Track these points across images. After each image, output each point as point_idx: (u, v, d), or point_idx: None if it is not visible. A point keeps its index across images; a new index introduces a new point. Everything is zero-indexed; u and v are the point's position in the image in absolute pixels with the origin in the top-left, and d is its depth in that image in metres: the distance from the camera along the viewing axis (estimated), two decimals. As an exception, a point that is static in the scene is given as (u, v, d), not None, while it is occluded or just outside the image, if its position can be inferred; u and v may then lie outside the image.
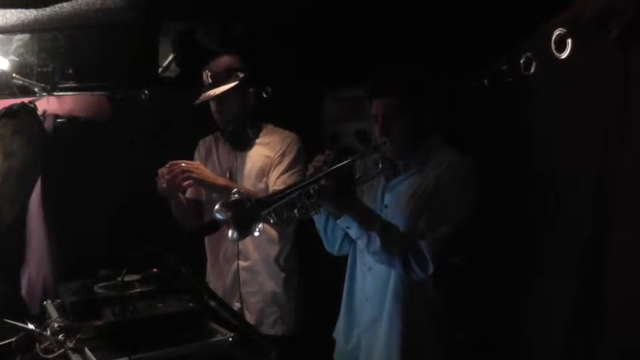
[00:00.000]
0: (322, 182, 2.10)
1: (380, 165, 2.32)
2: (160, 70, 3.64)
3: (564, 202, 2.22)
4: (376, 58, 2.89)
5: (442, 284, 2.27)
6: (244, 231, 1.94)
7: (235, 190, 2.04)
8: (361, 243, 2.23)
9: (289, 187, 2.12)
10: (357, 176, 2.29)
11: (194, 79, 3.20)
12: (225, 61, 2.81)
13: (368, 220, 2.19)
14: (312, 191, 2.12)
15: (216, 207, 1.94)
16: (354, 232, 2.22)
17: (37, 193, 3.48)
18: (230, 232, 1.93)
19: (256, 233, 1.96)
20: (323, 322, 2.70)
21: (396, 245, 2.16)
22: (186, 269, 1.86)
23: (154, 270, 2.73)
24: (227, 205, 1.92)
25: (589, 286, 2.00)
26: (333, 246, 2.50)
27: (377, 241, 2.15)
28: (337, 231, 2.43)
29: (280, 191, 2.11)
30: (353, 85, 3.50)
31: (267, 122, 2.93)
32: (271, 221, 2.08)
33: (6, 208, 3.33)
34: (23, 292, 3.46)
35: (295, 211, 2.13)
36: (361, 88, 3.36)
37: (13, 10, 2.95)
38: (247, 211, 1.92)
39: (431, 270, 2.14)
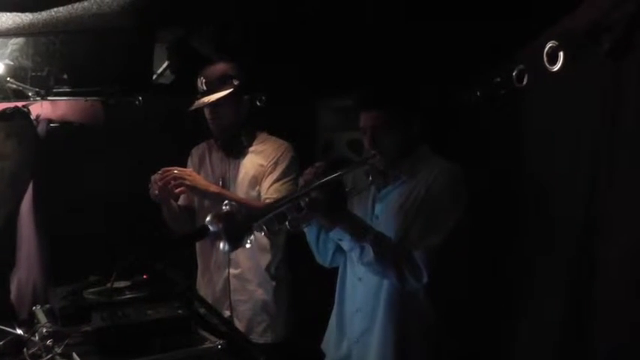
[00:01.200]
0: (313, 195, 2.10)
1: (370, 177, 2.33)
2: (155, 76, 3.64)
3: (556, 212, 2.23)
4: (369, 69, 2.92)
5: (434, 294, 2.27)
6: (235, 243, 1.94)
7: (226, 201, 2.03)
8: (354, 255, 2.23)
9: (280, 199, 2.12)
10: (347, 189, 2.29)
11: (188, 86, 3.22)
12: (220, 68, 2.81)
13: (360, 231, 2.19)
14: (303, 204, 2.12)
15: (208, 219, 1.94)
16: (346, 244, 2.22)
17: (29, 197, 3.47)
18: (221, 244, 1.92)
19: (247, 245, 1.96)
20: (312, 331, 2.69)
21: (388, 256, 2.16)
22: (176, 275, 1.86)
23: (144, 276, 2.73)
24: (218, 217, 1.92)
25: (579, 294, 2.00)
26: (325, 258, 2.50)
27: (370, 253, 2.15)
28: (329, 243, 2.43)
29: (271, 204, 2.11)
30: (346, 95, 3.52)
31: (260, 130, 2.93)
32: (262, 234, 2.07)
33: (-3, 210, 3.32)
34: (12, 296, 3.44)
35: (286, 223, 2.13)
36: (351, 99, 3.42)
37: (8, 14, 2.94)
38: (238, 223, 1.93)
39: (425, 279, 2.14)
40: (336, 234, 2.22)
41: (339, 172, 2.17)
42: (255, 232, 2.01)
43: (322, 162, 2.21)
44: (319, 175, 2.14)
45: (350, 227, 2.18)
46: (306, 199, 2.10)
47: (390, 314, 2.30)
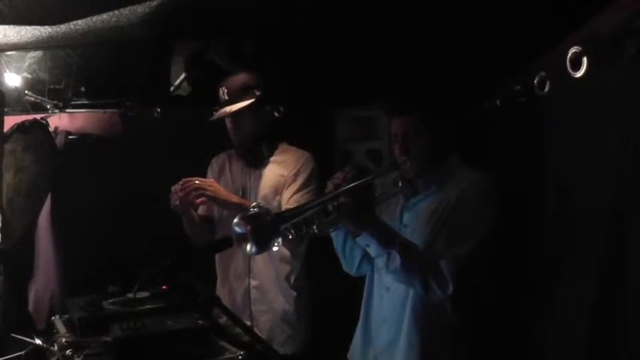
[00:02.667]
0: (342, 199, 2.08)
1: (400, 184, 2.31)
2: (172, 88, 3.65)
3: (581, 220, 2.20)
4: (389, 78, 2.91)
5: (460, 304, 2.24)
6: (263, 245, 1.91)
7: (254, 203, 2.02)
8: (380, 261, 2.21)
9: (309, 202, 2.10)
10: (375, 194, 2.27)
11: (206, 97, 3.23)
12: (241, 78, 2.82)
13: (387, 238, 2.16)
14: (331, 208, 2.10)
15: (235, 220, 1.92)
16: (373, 250, 2.20)
17: (47, 208, 3.49)
18: (248, 246, 1.90)
19: (275, 248, 1.93)
20: (333, 341, 2.67)
21: (415, 264, 2.14)
22: (199, 286, 1.85)
23: (164, 287, 2.73)
24: (246, 219, 1.90)
25: (608, 303, 1.98)
26: (351, 266, 2.47)
27: (397, 260, 2.13)
28: (356, 251, 2.41)
29: (300, 206, 2.09)
30: (365, 105, 3.52)
31: (281, 140, 2.93)
32: (289, 237, 2.05)
33: (15, 222, 3.33)
34: (30, 306, 3.46)
35: (314, 227, 2.11)
36: (374, 107, 3.41)
37: (28, 27, 2.97)
38: (266, 225, 1.90)
39: (450, 290, 2.12)
40: (363, 239, 2.20)
41: (369, 177, 2.16)
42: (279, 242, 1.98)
43: (351, 167, 2.19)
44: (348, 180, 2.13)
45: (377, 233, 2.16)
46: (335, 203, 2.08)
47: (416, 324, 2.26)
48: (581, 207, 2.23)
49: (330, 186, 2.18)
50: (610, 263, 2.00)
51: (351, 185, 2.10)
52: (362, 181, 2.12)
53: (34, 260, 3.51)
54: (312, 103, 3.42)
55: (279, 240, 1.93)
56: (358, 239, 2.23)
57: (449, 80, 2.58)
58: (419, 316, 2.26)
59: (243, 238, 1.90)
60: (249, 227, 1.89)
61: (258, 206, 1.97)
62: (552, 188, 2.47)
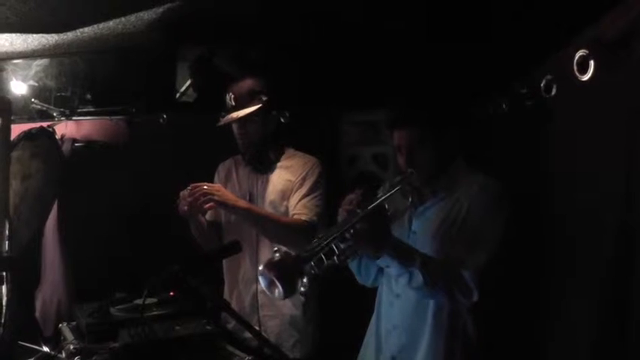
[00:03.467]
0: (358, 226, 2.07)
1: (410, 198, 2.31)
2: (178, 94, 3.66)
3: (588, 227, 2.20)
4: (394, 82, 2.92)
5: (476, 309, 2.24)
6: (290, 289, 1.92)
7: (276, 249, 2.02)
8: (403, 280, 2.19)
9: (326, 236, 2.06)
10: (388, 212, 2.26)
11: (211, 104, 3.24)
12: (248, 84, 2.83)
13: (407, 256, 2.15)
14: (348, 236, 2.08)
15: (260, 269, 1.94)
16: (394, 270, 2.18)
17: (53, 216, 3.49)
18: (276, 292, 1.91)
19: (302, 289, 1.94)
20: (340, 347, 2.67)
21: (438, 278, 2.13)
22: (208, 291, 1.85)
23: (171, 293, 2.73)
24: (269, 266, 1.92)
25: (613, 312, 1.97)
26: (366, 281, 2.48)
27: (419, 277, 2.11)
28: (371, 267, 2.41)
29: (317, 243, 2.05)
30: (370, 109, 3.52)
31: (288, 146, 2.94)
32: (313, 273, 2.03)
33: (22, 230, 3.34)
34: (37, 314, 3.46)
35: (335, 258, 2.09)
36: (379, 113, 3.41)
37: (34, 35, 2.98)
38: (289, 269, 1.91)
39: (476, 297, 2.12)
40: (383, 261, 2.18)
41: (380, 198, 2.14)
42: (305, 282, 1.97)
43: (358, 189, 2.18)
44: (359, 202, 2.12)
45: (397, 254, 2.14)
46: (351, 231, 2.07)
47: (438, 332, 2.26)
48: (587, 208, 2.22)
49: (342, 213, 2.16)
50: (617, 267, 2.00)
51: (366, 211, 2.08)
52: (375, 204, 2.11)
53: (41, 267, 3.52)
54: (318, 107, 3.42)
55: (305, 280, 1.94)
56: (378, 262, 2.22)
57: (452, 83, 2.58)
58: (440, 324, 2.26)
59: (271, 285, 1.92)
60: (273, 274, 1.91)
61: (279, 251, 1.97)
62: (557, 189, 2.46)
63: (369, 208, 2.10)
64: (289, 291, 1.93)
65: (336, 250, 2.08)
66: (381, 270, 2.41)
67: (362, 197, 2.14)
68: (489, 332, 2.33)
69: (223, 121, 2.83)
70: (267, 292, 1.95)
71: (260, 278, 1.95)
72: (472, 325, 2.28)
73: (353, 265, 2.43)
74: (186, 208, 2.67)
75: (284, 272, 1.91)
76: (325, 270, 2.07)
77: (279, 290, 1.91)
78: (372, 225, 2.08)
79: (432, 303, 2.23)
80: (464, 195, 2.25)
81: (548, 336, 2.47)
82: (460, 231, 2.21)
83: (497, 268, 2.15)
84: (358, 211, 2.09)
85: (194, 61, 3.59)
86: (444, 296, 2.16)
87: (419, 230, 2.33)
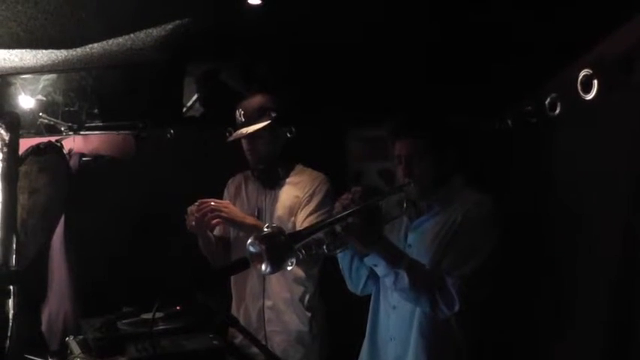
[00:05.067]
0: (350, 220, 2.11)
1: (404, 205, 2.34)
2: (185, 109, 3.69)
3: (594, 229, 2.22)
4: (399, 98, 2.94)
5: (466, 321, 2.26)
6: (277, 265, 1.93)
7: (268, 224, 2.04)
8: (388, 281, 2.23)
9: (318, 222, 2.14)
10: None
11: (218, 119, 3.26)
12: (258, 100, 2.85)
13: (395, 257, 2.20)
14: (339, 229, 2.13)
15: (250, 240, 1.94)
16: (381, 269, 2.23)
17: (60, 230, 3.51)
18: (263, 266, 1.92)
19: (289, 267, 1.95)
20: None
21: (422, 283, 2.17)
22: (216, 306, 1.87)
23: (177, 307, 2.74)
24: (260, 238, 1.92)
25: (619, 330, 1.98)
26: (356, 286, 2.50)
27: (404, 279, 2.16)
28: (362, 270, 2.44)
29: (311, 226, 2.12)
30: (376, 125, 3.54)
31: (297, 162, 2.96)
32: (300, 257, 2.07)
33: (29, 244, 3.36)
34: (43, 327, 3.47)
35: (324, 247, 2.14)
36: (384, 127, 3.43)
37: (44, 51, 3.02)
38: (280, 245, 1.92)
39: (457, 307, 2.15)
40: (371, 259, 2.23)
41: (376, 198, 2.19)
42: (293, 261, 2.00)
43: (359, 187, 2.22)
44: (356, 200, 2.15)
45: (385, 253, 2.19)
46: (344, 224, 2.11)
47: (423, 342, 2.29)
48: (592, 211, 2.24)
49: (338, 206, 2.20)
50: (624, 269, 2.01)
51: (359, 206, 2.12)
52: (369, 202, 2.16)
53: (48, 281, 3.53)
54: (324, 123, 3.45)
55: (294, 260, 1.95)
56: (366, 259, 2.26)
57: (455, 101, 2.61)
58: (425, 333, 2.29)
59: (257, 258, 1.92)
60: (263, 247, 1.90)
61: (271, 226, 1.98)
62: (562, 193, 2.48)
63: (364, 204, 2.14)
64: (275, 267, 1.94)
65: (326, 240, 2.15)
66: (371, 277, 2.43)
67: (359, 194, 2.18)
68: (492, 339, 2.34)
69: (233, 136, 2.85)
70: (250, 264, 1.95)
71: (249, 247, 1.93)
72: (461, 337, 2.29)
73: (344, 267, 2.47)
74: (193, 223, 2.69)
75: (274, 247, 1.92)
76: (313, 256, 2.15)
77: (265, 264, 1.92)
78: (364, 220, 2.12)
79: (426, 315, 2.25)
80: (458, 210, 2.28)
81: (556, 339, 2.47)
82: (450, 244, 2.24)
83: (486, 282, 2.18)
84: (353, 205, 2.13)
85: (201, 76, 3.63)
86: (426, 302, 2.18)
87: (414, 243, 2.37)
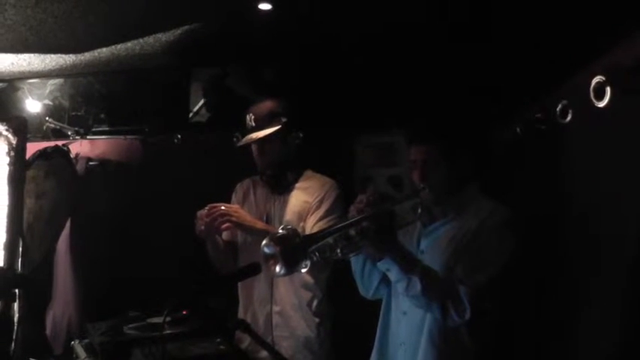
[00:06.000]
0: (364, 224, 2.11)
1: (418, 211, 2.33)
2: (191, 114, 3.70)
3: (605, 253, 2.20)
4: (409, 105, 2.95)
5: (476, 329, 2.25)
6: (292, 266, 1.92)
7: (283, 225, 2.04)
8: (400, 286, 2.22)
9: (333, 226, 2.12)
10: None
11: (224, 124, 3.27)
12: (268, 105, 2.85)
13: (408, 263, 2.18)
14: (353, 233, 2.13)
15: (265, 241, 1.93)
16: (394, 274, 2.22)
17: (66, 234, 3.51)
18: (277, 267, 1.91)
19: (303, 270, 1.95)
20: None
21: (435, 289, 2.15)
22: (224, 311, 1.86)
23: (184, 312, 2.74)
24: (276, 240, 1.91)
25: (633, 335, 1.97)
26: (368, 290, 2.49)
27: (417, 285, 2.14)
28: (374, 275, 2.42)
29: (325, 229, 2.11)
30: (385, 131, 3.55)
31: (306, 167, 2.95)
32: (314, 259, 2.06)
33: (35, 247, 3.36)
34: (47, 331, 3.47)
35: (337, 251, 2.13)
36: (396, 133, 3.44)
37: (52, 55, 3.03)
38: (295, 247, 1.91)
39: (468, 315, 2.13)
40: (384, 264, 2.22)
41: (391, 203, 2.18)
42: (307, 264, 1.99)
43: (374, 191, 2.22)
44: (370, 204, 2.15)
45: (399, 258, 2.17)
46: (358, 228, 2.11)
47: (432, 349, 2.27)
48: (604, 224, 2.23)
49: (352, 210, 2.20)
50: (637, 281, 2.00)
51: (374, 211, 2.12)
52: (384, 206, 2.15)
53: (53, 285, 3.53)
54: (333, 129, 3.45)
55: (308, 262, 1.94)
56: (379, 264, 2.25)
57: (469, 109, 2.61)
58: (435, 340, 2.26)
59: (271, 259, 1.91)
60: (278, 248, 1.90)
61: (286, 228, 1.98)
62: (578, 195, 2.46)
63: (379, 208, 2.13)
64: (289, 268, 1.94)
65: (340, 243, 2.13)
66: (383, 281, 2.42)
67: (373, 199, 2.17)
68: (509, 343, 2.32)
69: (243, 141, 2.84)
70: (263, 264, 1.94)
71: (264, 249, 1.93)
72: (471, 345, 2.28)
73: (356, 270, 2.45)
74: (202, 228, 2.68)
75: (289, 249, 1.91)
76: (326, 259, 2.13)
77: (279, 265, 1.91)
78: (378, 225, 2.11)
79: (437, 321, 2.24)
80: (473, 218, 2.27)
81: (573, 341, 2.45)
82: (464, 252, 2.23)
83: (498, 292, 2.17)
84: (368, 210, 2.12)
85: (207, 81, 3.64)
86: (437, 309, 2.17)
87: (427, 249, 2.35)
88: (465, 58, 2.69)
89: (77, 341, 2.79)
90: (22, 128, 3.17)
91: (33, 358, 3.05)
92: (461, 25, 2.50)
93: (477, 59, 2.63)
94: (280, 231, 1.97)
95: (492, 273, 2.14)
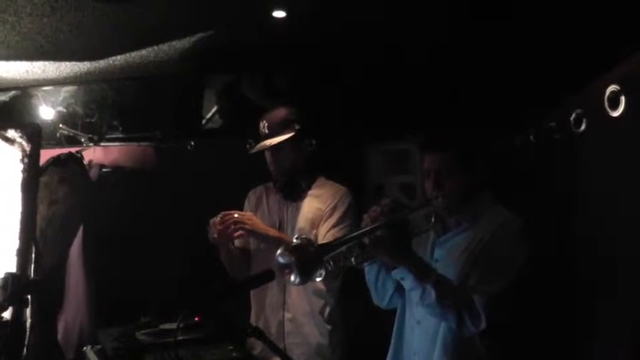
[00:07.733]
0: (379, 233, 2.11)
1: (432, 220, 2.33)
2: (204, 121, 3.71)
3: (617, 264, 2.19)
4: (422, 112, 2.95)
5: (490, 339, 2.24)
6: (307, 276, 1.93)
7: (297, 235, 2.04)
8: (415, 295, 2.21)
9: (347, 235, 2.12)
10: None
11: (237, 131, 3.27)
12: (282, 112, 2.86)
13: (423, 272, 2.18)
14: (367, 241, 2.13)
15: (279, 251, 1.94)
16: (408, 283, 2.21)
17: (79, 240, 3.53)
18: (292, 277, 1.91)
19: (318, 279, 1.95)
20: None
21: (450, 299, 2.15)
22: (237, 318, 1.86)
23: (196, 318, 2.74)
24: (291, 250, 1.92)
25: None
26: (382, 299, 2.48)
27: (432, 294, 2.14)
28: (388, 284, 2.42)
29: (340, 238, 2.11)
30: (398, 138, 3.55)
31: (319, 174, 2.96)
32: (329, 268, 2.07)
33: (47, 253, 3.37)
34: (59, 337, 3.47)
35: (352, 259, 2.13)
36: (408, 140, 3.43)
37: (67, 63, 3.05)
38: (310, 256, 1.92)
39: (483, 325, 2.12)
40: (398, 273, 2.21)
41: (405, 212, 2.18)
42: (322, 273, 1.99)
43: (388, 200, 2.21)
44: (385, 213, 2.15)
45: (413, 267, 2.17)
46: (372, 237, 2.11)
47: (445, 358, 2.27)
48: (618, 234, 2.21)
49: (366, 219, 2.20)
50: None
51: (389, 219, 2.12)
52: (398, 215, 2.15)
53: (65, 291, 3.54)
54: (345, 136, 3.45)
55: (322, 271, 1.95)
56: (393, 273, 2.25)
57: (483, 118, 2.61)
58: (449, 350, 2.26)
59: (286, 268, 1.92)
60: (293, 258, 1.90)
61: (300, 237, 1.98)
62: (586, 214, 2.45)
63: (393, 217, 2.13)
64: (305, 278, 1.94)
65: (354, 252, 2.13)
66: (397, 290, 2.42)
67: (388, 208, 2.17)
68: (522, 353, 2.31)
69: (256, 148, 2.85)
70: (277, 273, 1.94)
71: (278, 259, 1.93)
72: (484, 354, 2.27)
73: (370, 279, 2.44)
74: (215, 235, 2.69)
75: (304, 258, 1.92)
76: (341, 268, 2.13)
77: (295, 275, 1.91)
78: (393, 234, 2.11)
79: (451, 330, 2.23)
80: (486, 227, 2.26)
81: (587, 355, 2.44)
82: (478, 262, 2.23)
83: (512, 301, 2.16)
84: (382, 218, 2.12)
85: (220, 88, 3.65)
86: (453, 318, 2.16)
87: (441, 259, 2.34)
88: (479, 66, 2.69)
89: (89, 347, 2.78)
90: (36, 135, 3.18)
91: (46, 363, 3.06)
92: (476, 35, 2.51)
93: (491, 68, 2.63)
94: (295, 240, 1.97)
95: (506, 283, 2.14)
